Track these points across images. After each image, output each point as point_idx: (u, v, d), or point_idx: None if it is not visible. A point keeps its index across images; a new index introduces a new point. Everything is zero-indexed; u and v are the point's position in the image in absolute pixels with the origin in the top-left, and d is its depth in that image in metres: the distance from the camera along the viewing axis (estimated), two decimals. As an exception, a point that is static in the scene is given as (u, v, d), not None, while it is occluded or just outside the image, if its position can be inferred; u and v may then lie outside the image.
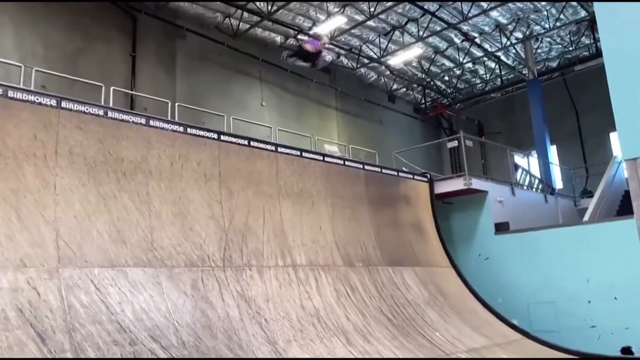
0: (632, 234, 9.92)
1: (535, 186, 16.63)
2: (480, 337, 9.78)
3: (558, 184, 18.15)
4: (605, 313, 10.36)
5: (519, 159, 17.25)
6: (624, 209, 13.57)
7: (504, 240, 12.50)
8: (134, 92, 12.15)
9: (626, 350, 9.92)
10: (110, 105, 8.03)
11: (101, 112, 7.23)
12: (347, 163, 11.27)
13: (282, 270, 8.50)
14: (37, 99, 6.63)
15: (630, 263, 9.93)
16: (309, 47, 9.11)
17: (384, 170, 12.19)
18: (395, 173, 12.61)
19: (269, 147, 9.51)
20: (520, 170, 16.24)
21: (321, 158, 10.64)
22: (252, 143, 9.20)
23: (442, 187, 13.24)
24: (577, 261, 11.07)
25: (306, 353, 7.24)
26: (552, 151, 18.92)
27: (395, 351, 8.10)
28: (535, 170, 17.61)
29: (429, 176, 13.35)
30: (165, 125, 7.98)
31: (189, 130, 8.27)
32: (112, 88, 8.84)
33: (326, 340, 7.65)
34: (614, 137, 17.86)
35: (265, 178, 9.25)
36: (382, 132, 19.94)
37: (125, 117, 7.52)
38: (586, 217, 13.44)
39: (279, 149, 9.61)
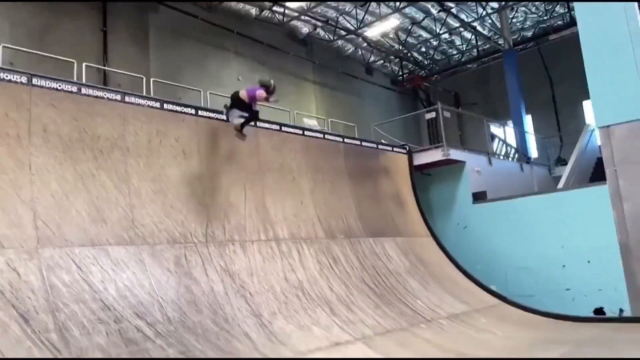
0: (604, 200, 10.25)
1: (511, 155, 16.91)
2: (460, 303, 10.04)
3: (533, 152, 18.48)
4: (579, 276, 10.73)
5: (495, 129, 17.47)
6: (597, 175, 13.92)
7: (482, 209, 12.76)
8: (106, 68, 11.85)
9: (598, 310, 10.32)
10: (83, 82, 7.84)
11: (74, 89, 7.06)
12: (326, 137, 11.27)
13: (265, 245, 8.54)
14: (7, 76, 6.43)
15: (603, 227, 10.23)
16: (242, 94, 8.09)
17: (363, 143, 12.23)
18: (375, 146, 12.67)
19: (248, 122, 9.42)
20: (496, 140, 16.48)
21: (301, 132, 10.62)
22: (231, 118, 9.10)
23: (421, 159, 13.37)
24: (552, 227, 11.38)
25: (291, 324, 7.35)
26: (528, 120, 19.18)
27: (379, 319, 8.27)
28: (511, 139, 17.89)
29: (407, 148, 13.45)
30: (141, 102, 7.83)
31: (165, 106, 8.14)
32: (84, 64, 8.61)
33: (310, 311, 7.77)
34: (587, 105, 18.20)
35: (245, 153, 9.20)
36: (360, 105, 19.91)
37: (100, 93, 7.35)
38: (560, 185, 13.76)
39: (258, 124, 9.54)
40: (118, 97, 7.55)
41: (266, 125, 9.81)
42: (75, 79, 8.07)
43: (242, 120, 8.42)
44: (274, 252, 8.59)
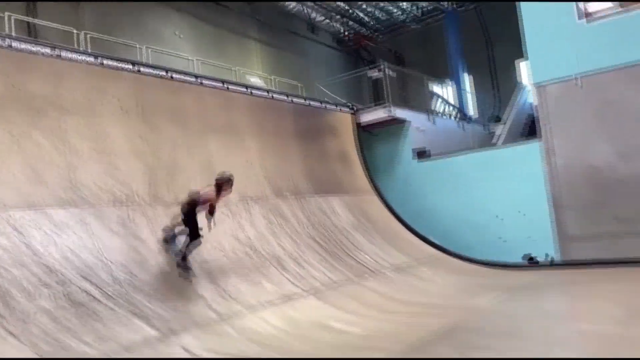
0: (536, 155, 10.88)
1: (451, 114, 17.43)
2: (404, 255, 10.49)
3: (472, 111, 19.11)
4: (513, 226, 11.38)
5: (436, 89, 17.88)
6: (529, 131, 14.65)
7: (425, 166, 13.13)
8: (36, 20, 11.00)
9: (529, 258, 11.08)
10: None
11: (4, 43, 6.57)
12: (273, 96, 11.11)
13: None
14: None
15: (534, 179, 10.90)
16: (196, 196, 6.59)
17: (309, 103, 12.19)
18: (321, 105, 12.67)
19: (191, 79, 9.15)
20: (438, 100, 16.90)
21: (247, 91, 10.42)
22: (174, 75, 8.81)
23: (366, 118, 13.51)
24: (489, 181, 11.90)
25: (242, 281, 7.44)
26: (467, 80, 19.73)
27: (328, 274, 8.52)
28: (452, 99, 18.38)
29: (353, 107, 13.55)
30: (78, 57, 7.42)
31: (104, 62, 7.74)
32: (12, 16, 7.98)
33: (261, 268, 7.87)
34: (521, 65, 18.90)
35: (190, 112, 8.98)
36: (305, 64, 19.70)
37: (33, 48, 6.89)
38: (497, 141, 14.40)
39: (203, 82, 9.29)
40: (52, 52, 7.10)
41: (211, 83, 9.55)
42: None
43: (183, 249, 6.61)
44: (223, 212, 8.55)
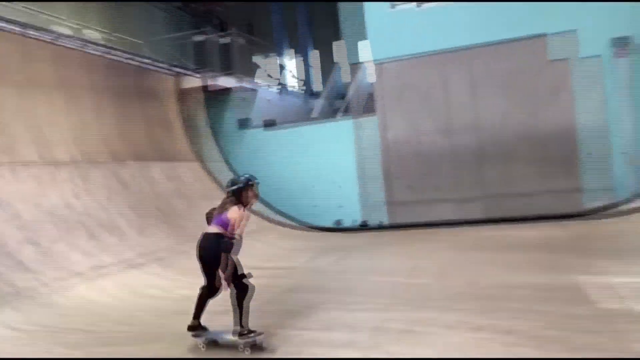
0: (375, 128, 11.75)
1: (297, 87, 17.89)
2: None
3: (316, 85, 19.79)
4: (325, 195, 12.17)
5: (284, 61, 18.11)
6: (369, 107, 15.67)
7: (270, 135, 13.19)
8: None
9: (337, 222, 12.14)
10: None
11: None
12: (87, 49, 9.63)
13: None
14: None
15: (348, 153, 11.88)
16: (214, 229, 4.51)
17: (131, 61, 10.81)
18: (144, 65, 11.31)
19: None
20: (284, 72, 17.15)
21: (51, 40, 8.84)
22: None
23: (189, 82, 12.83)
24: (320, 152, 12.39)
25: (73, 251, 6.94)
26: (313, 55, 20.30)
27: (155, 241, 8.31)
28: (295, 71, 18.75)
29: (176, 70, 12.45)
30: None
31: None
32: None
33: (96, 238, 7.42)
34: (362, 44, 20.01)
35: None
36: (145, 25, 17.73)
37: None
38: (338, 115, 15.18)
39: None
40: None
41: (2, 24, 7.90)
42: None
43: (239, 320, 4.39)
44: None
